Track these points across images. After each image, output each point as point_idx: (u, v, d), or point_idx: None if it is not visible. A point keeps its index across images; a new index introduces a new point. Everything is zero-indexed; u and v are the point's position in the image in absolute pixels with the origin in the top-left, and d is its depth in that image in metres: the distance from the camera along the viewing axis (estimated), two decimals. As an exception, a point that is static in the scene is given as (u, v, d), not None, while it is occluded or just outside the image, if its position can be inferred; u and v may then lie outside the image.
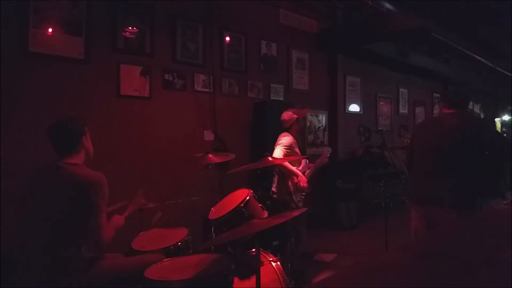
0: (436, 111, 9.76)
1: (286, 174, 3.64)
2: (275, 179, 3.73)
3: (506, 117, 13.60)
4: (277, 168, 3.58)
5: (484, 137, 2.70)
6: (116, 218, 2.25)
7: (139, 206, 2.89)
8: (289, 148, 3.58)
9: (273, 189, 3.78)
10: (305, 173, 3.73)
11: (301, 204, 3.65)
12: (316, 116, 6.50)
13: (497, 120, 12.96)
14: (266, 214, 2.72)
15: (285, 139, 3.62)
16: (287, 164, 3.59)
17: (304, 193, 3.70)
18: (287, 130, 3.74)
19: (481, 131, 2.73)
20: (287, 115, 3.76)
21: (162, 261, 2.13)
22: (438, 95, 9.87)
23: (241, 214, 2.48)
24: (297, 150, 3.70)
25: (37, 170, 2.14)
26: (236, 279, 2.16)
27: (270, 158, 2.62)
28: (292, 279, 2.91)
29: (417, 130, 3.16)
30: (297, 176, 3.62)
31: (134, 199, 2.64)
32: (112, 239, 2.09)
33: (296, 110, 3.85)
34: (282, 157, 3.49)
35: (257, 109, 5.18)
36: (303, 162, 3.77)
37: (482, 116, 12.50)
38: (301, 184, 3.61)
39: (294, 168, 3.63)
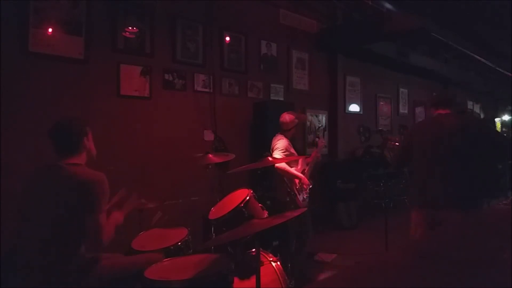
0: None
1: (287, 177, 3.63)
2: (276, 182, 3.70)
3: (506, 117, 13.59)
4: (277, 172, 3.58)
5: (484, 135, 2.70)
6: (115, 215, 2.23)
7: (139, 207, 2.89)
8: (286, 151, 3.59)
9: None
10: (305, 171, 3.74)
11: (306, 204, 3.66)
12: (316, 116, 6.50)
13: (497, 120, 12.95)
14: (266, 214, 2.72)
15: (280, 143, 3.61)
16: (288, 168, 3.58)
17: (307, 193, 3.70)
18: (284, 131, 3.73)
19: (481, 130, 2.73)
20: (289, 117, 3.72)
21: (162, 261, 2.13)
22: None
23: (241, 214, 2.48)
24: (292, 150, 3.70)
25: (38, 171, 2.14)
26: (236, 279, 2.16)
27: (270, 158, 2.62)
28: (292, 279, 2.91)
29: (414, 133, 3.11)
30: (299, 178, 3.62)
31: (128, 200, 2.62)
32: (112, 239, 2.08)
33: (297, 115, 3.84)
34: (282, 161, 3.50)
35: (257, 109, 5.18)
36: (301, 161, 3.78)
37: (482, 116, 12.49)
38: (304, 184, 3.62)
39: (294, 171, 3.62)
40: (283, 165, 3.55)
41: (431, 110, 2.99)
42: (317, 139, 5.91)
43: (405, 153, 2.98)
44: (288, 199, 3.60)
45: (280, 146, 3.59)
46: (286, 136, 3.70)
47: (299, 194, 3.62)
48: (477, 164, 2.66)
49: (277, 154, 3.55)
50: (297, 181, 3.64)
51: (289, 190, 3.61)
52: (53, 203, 2.01)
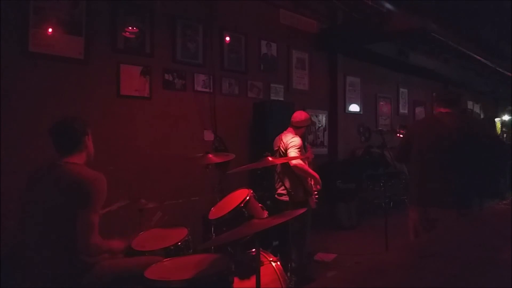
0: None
1: (302, 176, 3.58)
2: (287, 181, 3.61)
3: (506, 117, 13.58)
4: (290, 170, 3.52)
5: (484, 140, 2.71)
6: (117, 243, 2.21)
7: (139, 207, 2.90)
8: (301, 149, 3.54)
9: (280, 191, 3.69)
10: None
11: (316, 203, 3.66)
12: (316, 116, 6.49)
13: (497, 120, 12.94)
14: (266, 214, 2.72)
15: (296, 140, 3.54)
16: (306, 166, 3.54)
17: (317, 192, 3.68)
18: (296, 129, 3.69)
19: (480, 133, 2.74)
20: (304, 115, 3.72)
21: (162, 261, 2.13)
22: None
23: (241, 214, 2.48)
24: (303, 150, 3.69)
25: (37, 171, 2.15)
26: (236, 279, 2.16)
27: (270, 158, 2.62)
28: (292, 279, 2.91)
29: (414, 129, 3.12)
30: (314, 177, 3.59)
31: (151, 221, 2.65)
32: (98, 250, 2.03)
33: (310, 117, 3.85)
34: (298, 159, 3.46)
35: (257, 109, 5.18)
36: (307, 161, 3.76)
37: (482, 116, 12.48)
38: (318, 183, 3.60)
39: (312, 170, 3.59)
40: (301, 162, 3.48)
41: (435, 107, 3.01)
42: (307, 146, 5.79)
43: (404, 149, 2.99)
44: (305, 199, 3.56)
45: (296, 144, 3.51)
46: (297, 134, 3.65)
47: (312, 194, 3.60)
48: (473, 165, 2.67)
49: (293, 152, 3.47)
50: (310, 179, 3.61)
51: (290, 190, 3.58)
52: (51, 202, 2.01)
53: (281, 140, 3.68)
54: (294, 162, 3.42)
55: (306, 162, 3.73)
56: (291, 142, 3.54)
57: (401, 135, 3.80)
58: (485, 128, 3.01)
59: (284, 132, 3.74)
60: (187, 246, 2.53)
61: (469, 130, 2.74)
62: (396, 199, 6.69)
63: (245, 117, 5.18)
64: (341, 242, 5.24)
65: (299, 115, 3.73)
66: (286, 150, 3.56)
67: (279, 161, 3.23)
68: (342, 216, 6.02)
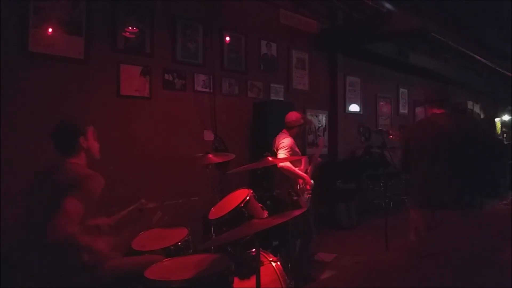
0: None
1: (291, 177, 3.64)
2: (285, 182, 3.68)
3: (506, 117, 13.58)
4: (281, 171, 3.58)
5: (478, 137, 2.71)
6: (101, 244, 2.02)
7: (139, 207, 2.90)
8: (291, 150, 3.61)
9: (280, 191, 3.78)
10: (308, 170, 3.75)
11: (308, 203, 3.68)
12: (316, 116, 6.49)
13: (497, 120, 12.94)
14: (266, 214, 2.72)
15: (285, 142, 3.63)
16: (292, 168, 3.59)
17: (310, 193, 3.71)
18: (288, 129, 3.75)
19: (475, 131, 2.74)
20: (294, 116, 3.78)
21: (162, 261, 2.13)
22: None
23: (241, 214, 2.48)
24: (297, 149, 3.72)
25: (40, 171, 2.16)
26: (236, 279, 2.16)
27: (270, 158, 2.62)
28: (292, 279, 2.91)
29: (412, 133, 3.11)
30: (303, 178, 3.63)
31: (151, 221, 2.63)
32: (74, 243, 1.86)
33: (304, 117, 3.91)
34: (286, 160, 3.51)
35: (257, 109, 5.18)
36: (303, 161, 3.79)
37: (482, 116, 12.48)
38: (308, 184, 3.64)
39: (298, 171, 3.64)
40: (287, 164, 3.55)
41: (427, 108, 3.00)
42: (318, 137, 5.94)
43: (406, 158, 2.97)
44: (291, 199, 3.61)
45: (285, 145, 3.60)
46: (290, 135, 3.72)
47: (302, 194, 3.63)
48: (472, 165, 2.67)
49: (282, 154, 3.55)
50: (300, 181, 3.64)
51: (290, 190, 3.61)
52: (49, 201, 2.01)
53: (275, 141, 3.75)
54: (281, 164, 3.48)
55: (304, 161, 3.76)
56: (281, 143, 3.63)
57: (393, 136, 3.82)
58: (484, 127, 3.01)
59: (280, 133, 3.79)
60: (187, 246, 2.54)
61: (467, 129, 2.74)
62: (396, 199, 6.68)
63: (245, 117, 5.18)
64: (341, 242, 5.23)
65: (290, 116, 3.80)
66: (277, 151, 3.63)
67: (278, 161, 3.26)
68: (342, 216, 6.02)
